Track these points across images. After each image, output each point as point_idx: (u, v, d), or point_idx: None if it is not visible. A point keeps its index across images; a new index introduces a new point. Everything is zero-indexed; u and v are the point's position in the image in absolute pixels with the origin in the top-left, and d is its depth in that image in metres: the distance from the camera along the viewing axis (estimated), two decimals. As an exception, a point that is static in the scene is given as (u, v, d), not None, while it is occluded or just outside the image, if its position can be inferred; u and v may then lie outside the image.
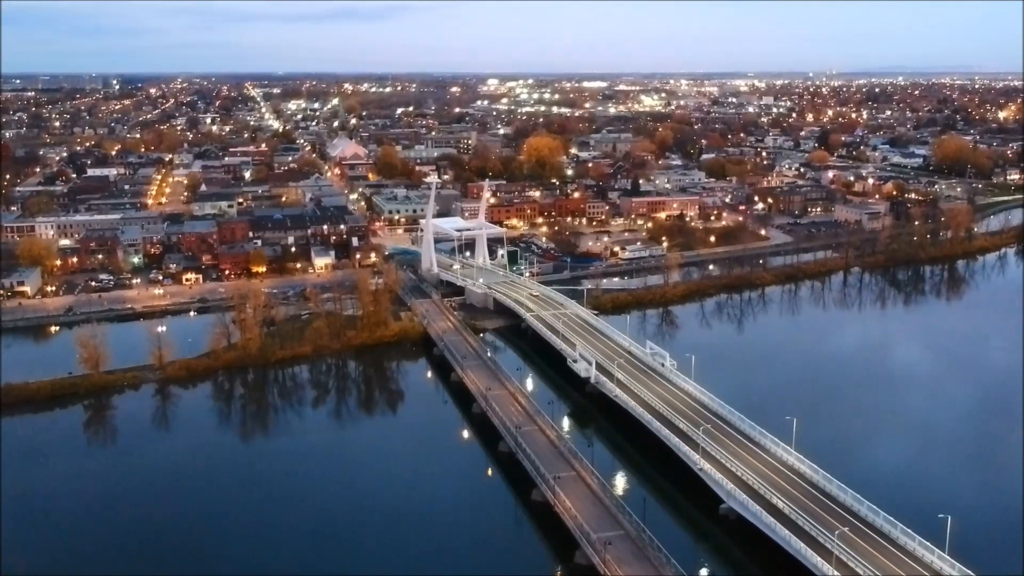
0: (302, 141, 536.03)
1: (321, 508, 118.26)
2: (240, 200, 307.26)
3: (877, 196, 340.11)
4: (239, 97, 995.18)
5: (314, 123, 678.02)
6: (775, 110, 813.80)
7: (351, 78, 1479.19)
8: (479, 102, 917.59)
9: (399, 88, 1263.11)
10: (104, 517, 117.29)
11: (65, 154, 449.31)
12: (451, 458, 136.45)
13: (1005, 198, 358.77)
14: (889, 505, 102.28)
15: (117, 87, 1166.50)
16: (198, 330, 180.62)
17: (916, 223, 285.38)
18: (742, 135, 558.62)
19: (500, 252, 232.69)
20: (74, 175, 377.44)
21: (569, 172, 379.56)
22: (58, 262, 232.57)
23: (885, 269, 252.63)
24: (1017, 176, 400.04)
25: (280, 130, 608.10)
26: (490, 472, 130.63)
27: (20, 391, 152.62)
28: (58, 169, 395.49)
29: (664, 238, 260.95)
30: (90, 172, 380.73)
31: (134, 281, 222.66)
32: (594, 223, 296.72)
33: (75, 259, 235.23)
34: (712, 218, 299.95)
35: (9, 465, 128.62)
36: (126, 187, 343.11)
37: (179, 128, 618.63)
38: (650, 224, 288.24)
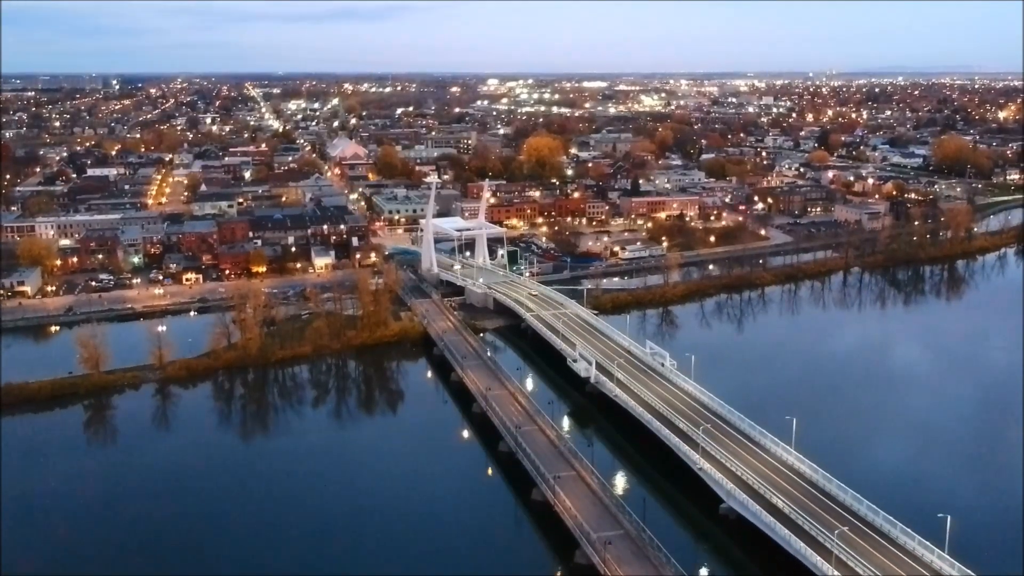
0: (302, 141, 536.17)
1: (321, 508, 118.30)
2: (240, 200, 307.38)
3: (877, 196, 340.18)
4: (239, 97, 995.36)
5: (314, 123, 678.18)
6: (775, 110, 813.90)
7: (351, 78, 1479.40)
8: (479, 102, 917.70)
9: (399, 88, 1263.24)
10: (104, 517, 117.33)
11: (65, 154, 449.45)
12: (451, 458, 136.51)
13: (1005, 198, 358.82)
14: (889, 505, 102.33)
15: (117, 87, 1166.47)
16: (198, 330, 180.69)
17: (916, 223, 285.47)
18: (742, 135, 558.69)
19: (500, 252, 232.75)
20: (74, 175, 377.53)
21: (569, 172, 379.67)
22: (58, 262, 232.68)
23: (885, 269, 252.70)
24: (1017, 176, 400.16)
25: (280, 130, 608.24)
26: (490, 472, 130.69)
27: (20, 391, 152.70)
28: (58, 169, 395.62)
29: (664, 238, 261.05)
30: (90, 172, 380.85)
31: (134, 281, 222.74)
32: (594, 223, 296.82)
33: (75, 259, 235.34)
34: (712, 218, 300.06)
35: (9, 465, 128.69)
36: (126, 187, 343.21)
37: (179, 128, 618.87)
38: (650, 224, 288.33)
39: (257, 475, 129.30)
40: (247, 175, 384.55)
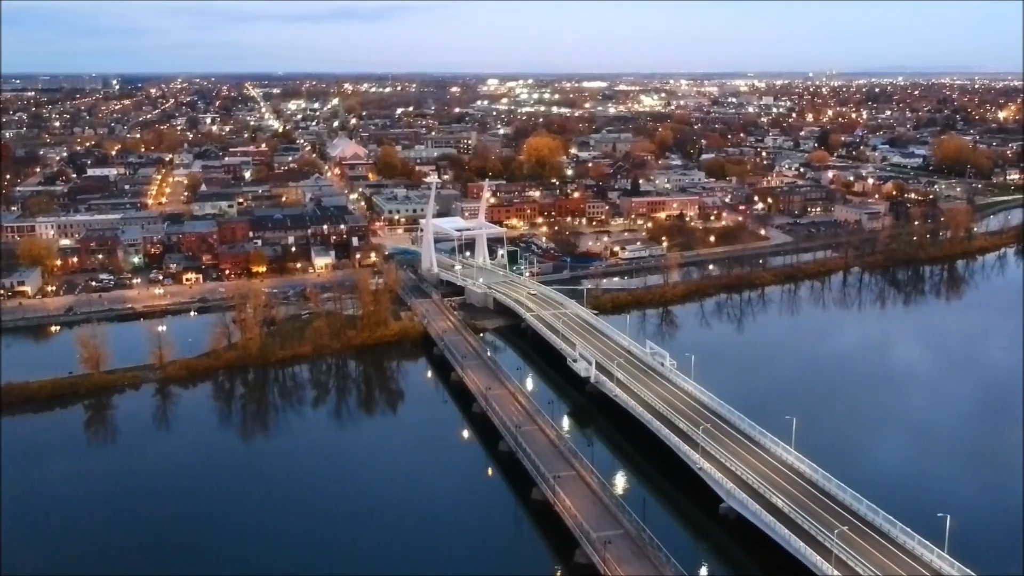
0: (302, 141, 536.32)
1: (321, 507, 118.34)
2: (240, 200, 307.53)
3: (877, 196, 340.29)
4: (239, 97, 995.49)
5: (314, 123, 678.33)
6: (775, 110, 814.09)
7: (351, 78, 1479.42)
8: (479, 102, 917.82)
9: (399, 88, 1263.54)
10: (104, 517, 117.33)
11: (65, 154, 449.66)
12: (451, 457, 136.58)
13: (1005, 198, 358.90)
14: (888, 504, 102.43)
15: (117, 87, 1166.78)
16: (198, 330, 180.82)
17: (916, 223, 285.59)
18: (742, 135, 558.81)
19: (500, 252, 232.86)
20: (74, 175, 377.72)
21: (569, 172, 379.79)
22: (58, 262, 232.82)
23: (885, 269, 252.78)
24: (1017, 176, 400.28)
25: (280, 130, 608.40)
26: (490, 471, 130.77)
27: (20, 391, 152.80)
28: (58, 169, 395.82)
29: (664, 238, 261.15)
30: (90, 172, 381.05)
31: (134, 281, 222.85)
32: (594, 223, 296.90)
33: (75, 259, 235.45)
34: (712, 218, 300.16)
35: (9, 465, 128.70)
36: (126, 187, 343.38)
37: (179, 128, 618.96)
38: (650, 224, 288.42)
39: (257, 475, 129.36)
40: (247, 175, 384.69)
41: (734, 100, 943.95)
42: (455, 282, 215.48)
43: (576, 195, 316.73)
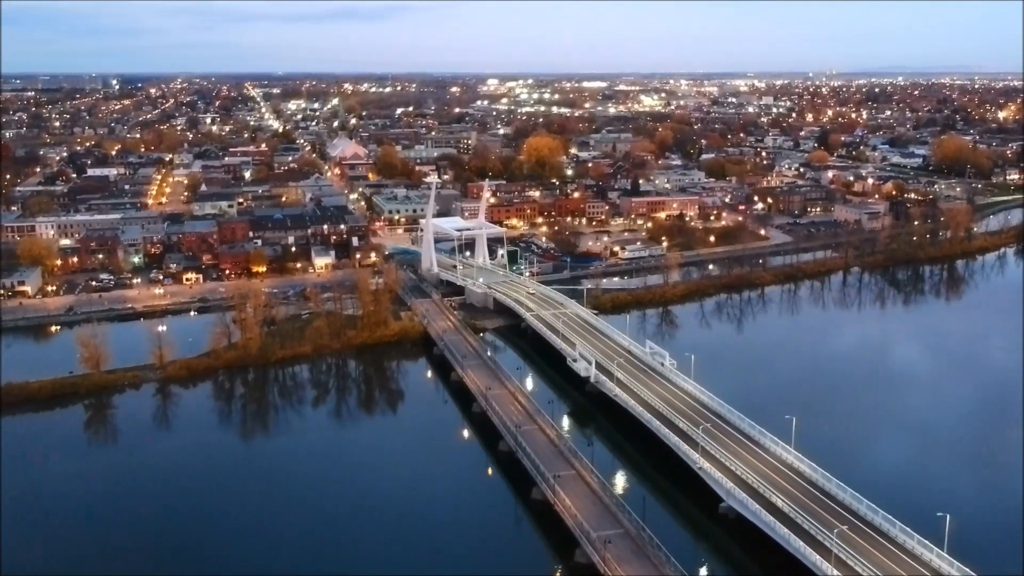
0: (302, 141, 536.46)
1: (321, 507, 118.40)
2: (240, 200, 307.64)
3: (877, 196, 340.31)
4: (239, 97, 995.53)
5: (314, 123, 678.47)
6: (775, 110, 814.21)
7: (351, 78, 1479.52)
8: (479, 102, 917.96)
9: (399, 88, 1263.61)
10: (104, 517, 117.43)
11: (65, 154, 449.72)
12: (451, 457, 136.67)
13: (1004, 198, 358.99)
14: (888, 504, 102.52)
15: (117, 87, 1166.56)
16: (198, 330, 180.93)
17: (915, 223, 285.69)
18: (742, 135, 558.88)
19: (500, 252, 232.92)
20: (74, 175, 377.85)
21: (569, 172, 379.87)
22: (58, 262, 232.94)
23: (884, 269, 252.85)
24: (1016, 176, 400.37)
25: (280, 130, 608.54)
26: (490, 471, 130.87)
27: (21, 390, 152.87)
28: (58, 169, 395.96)
29: (664, 238, 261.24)
30: (90, 172, 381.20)
31: (134, 281, 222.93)
32: (594, 223, 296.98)
33: (75, 259, 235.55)
34: (712, 218, 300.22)
35: (9, 465, 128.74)
36: (126, 187, 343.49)
37: (179, 128, 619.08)
38: (650, 224, 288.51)
39: (257, 475, 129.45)
40: (247, 175, 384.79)
41: (734, 100, 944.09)
42: (455, 282, 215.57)
43: (576, 195, 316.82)
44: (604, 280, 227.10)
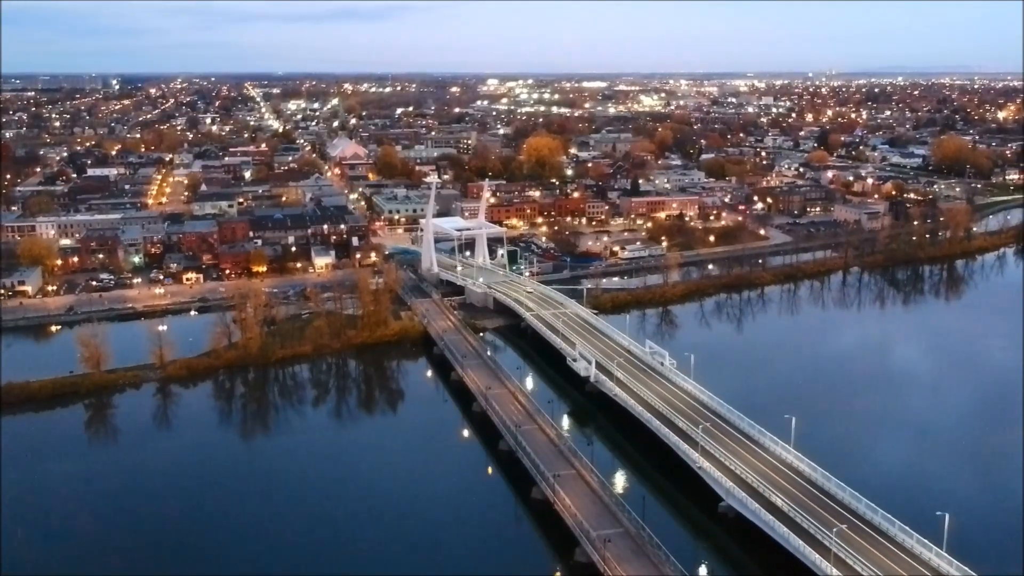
0: (302, 141, 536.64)
1: (321, 507, 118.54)
2: (240, 200, 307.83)
3: (876, 196, 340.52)
4: (239, 97, 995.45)
5: (314, 123, 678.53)
6: (775, 110, 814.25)
7: (351, 78, 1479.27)
8: (479, 102, 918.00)
9: (399, 88, 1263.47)
10: (104, 517, 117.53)
11: (65, 154, 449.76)
12: (451, 456, 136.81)
13: (1004, 198, 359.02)
14: (887, 503, 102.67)
15: (117, 87, 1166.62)
16: (199, 329, 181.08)
17: (915, 223, 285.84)
18: (742, 135, 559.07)
19: (500, 252, 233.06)
20: (74, 175, 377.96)
21: (569, 172, 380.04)
22: (59, 262, 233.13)
23: (884, 269, 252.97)
24: (1016, 176, 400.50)
25: (280, 130, 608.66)
26: (490, 470, 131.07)
27: (21, 390, 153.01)
28: (58, 169, 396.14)
29: (664, 238, 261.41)
30: (90, 172, 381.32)
31: (135, 281, 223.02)
32: (594, 223, 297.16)
33: (76, 259, 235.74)
34: (711, 218, 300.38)
35: (9, 465, 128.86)
36: (126, 187, 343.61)
37: (179, 128, 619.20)
38: (650, 224, 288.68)
39: (257, 474, 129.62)
40: (247, 175, 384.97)
41: (734, 100, 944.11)
42: (455, 282, 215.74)
43: (576, 195, 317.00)
44: (604, 280, 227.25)
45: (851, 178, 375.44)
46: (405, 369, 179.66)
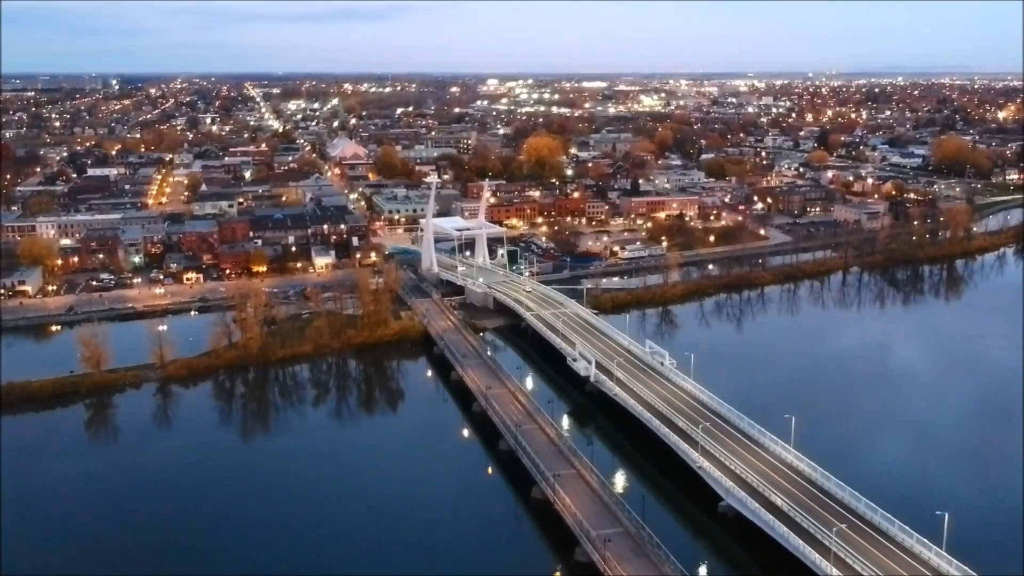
0: (302, 141, 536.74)
1: (321, 506, 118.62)
2: (240, 200, 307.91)
3: (876, 196, 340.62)
4: (239, 97, 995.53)
5: (314, 123, 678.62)
6: (775, 110, 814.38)
7: (351, 78, 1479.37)
8: (479, 102, 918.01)
9: (399, 88, 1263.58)
10: (104, 516, 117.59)
11: (65, 154, 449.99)
12: (451, 456, 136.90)
13: (1004, 198, 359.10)
14: (887, 502, 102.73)
15: (117, 87, 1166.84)
16: (199, 329, 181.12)
17: (915, 223, 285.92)
18: (742, 135, 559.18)
19: (500, 252, 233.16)
20: (74, 175, 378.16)
21: (569, 172, 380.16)
22: (59, 262, 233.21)
23: (884, 269, 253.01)
24: (1016, 176, 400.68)
25: (280, 130, 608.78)
26: (490, 470, 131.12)
27: (21, 390, 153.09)
28: (58, 169, 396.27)
29: (664, 238, 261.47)
30: (90, 172, 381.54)
31: (135, 280, 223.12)
32: (594, 223, 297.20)
33: (76, 259, 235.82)
34: (711, 218, 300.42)
35: (9, 465, 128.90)
36: (126, 187, 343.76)
37: (179, 128, 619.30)
38: (650, 224, 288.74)
39: (257, 474, 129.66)
40: (247, 175, 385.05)
41: (734, 100, 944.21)
42: (455, 282, 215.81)
43: (576, 195, 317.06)
44: (604, 280, 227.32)
45: (851, 178, 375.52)
46: (405, 369, 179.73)
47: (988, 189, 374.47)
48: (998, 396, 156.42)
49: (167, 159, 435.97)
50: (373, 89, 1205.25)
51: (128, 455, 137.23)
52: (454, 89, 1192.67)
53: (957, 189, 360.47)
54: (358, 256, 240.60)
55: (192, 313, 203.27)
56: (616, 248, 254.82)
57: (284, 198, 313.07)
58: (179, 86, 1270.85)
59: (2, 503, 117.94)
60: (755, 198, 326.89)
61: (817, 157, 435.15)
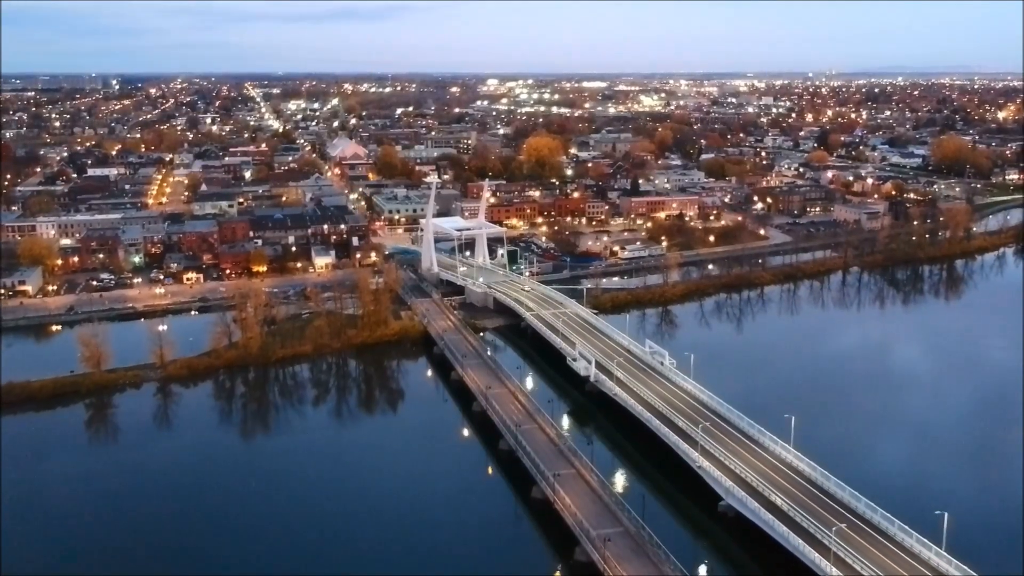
0: (302, 141, 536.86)
1: (321, 506, 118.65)
2: (240, 200, 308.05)
3: (876, 196, 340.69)
4: (239, 97, 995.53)
5: (314, 123, 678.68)
6: (774, 110, 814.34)
7: (351, 78, 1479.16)
8: (479, 102, 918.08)
9: (399, 88, 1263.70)
10: (105, 516, 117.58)
11: (65, 154, 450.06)
12: (451, 456, 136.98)
13: (1004, 198, 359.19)
14: (887, 502, 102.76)
15: (117, 87, 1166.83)
16: (199, 329, 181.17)
17: (915, 223, 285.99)
18: (741, 135, 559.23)
19: (500, 252, 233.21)
20: (74, 175, 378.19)
21: (569, 172, 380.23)
22: (59, 261, 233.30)
23: (884, 269, 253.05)
24: (1016, 176, 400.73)
25: (280, 130, 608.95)
26: (490, 470, 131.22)
27: (21, 390, 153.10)
28: (58, 169, 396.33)
29: (663, 238, 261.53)
30: (90, 172, 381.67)
31: (135, 280, 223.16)
32: (594, 223, 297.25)
33: (76, 258, 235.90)
34: (711, 218, 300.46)
35: (9, 465, 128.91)
36: (126, 187, 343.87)
37: (179, 128, 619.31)
38: (650, 224, 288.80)
39: (258, 474, 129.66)
40: (247, 175, 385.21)
41: (734, 100, 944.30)
42: (455, 282, 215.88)
43: (576, 195, 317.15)
44: (604, 280, 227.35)
45: (851, 178, 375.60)
46: (405, 369, 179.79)
47: (988, 189, 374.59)
48: (998, 396, 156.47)
49: (167, 159, 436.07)
50: (373, 89, 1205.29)
51: (128, 455, 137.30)
52: (454, 89, 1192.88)
53: (957, 189, 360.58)
54: (358, 256, 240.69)
55: (192, 313, 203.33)
56: (616, 248, 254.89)
57: (284, 198, 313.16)
58: (179, 86, 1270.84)
59: (2, 503, 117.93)
60: (755, 198, 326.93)
61: (817, 157, 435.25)
